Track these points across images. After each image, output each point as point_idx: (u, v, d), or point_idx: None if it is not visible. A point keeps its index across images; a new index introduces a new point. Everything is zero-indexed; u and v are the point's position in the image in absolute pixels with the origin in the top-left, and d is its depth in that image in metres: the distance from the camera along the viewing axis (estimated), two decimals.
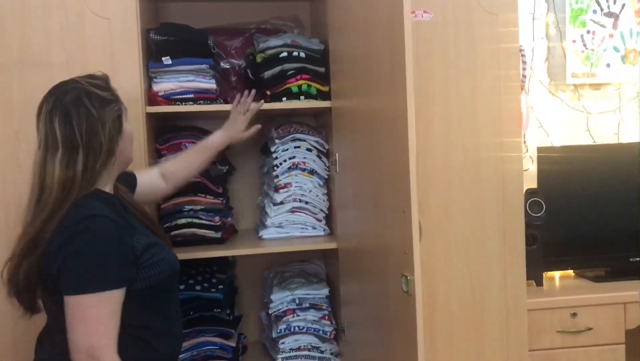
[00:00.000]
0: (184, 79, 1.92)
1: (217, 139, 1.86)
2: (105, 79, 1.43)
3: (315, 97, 2.00)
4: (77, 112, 1.31)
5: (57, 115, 1.31)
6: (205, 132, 2.06)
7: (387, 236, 1.50)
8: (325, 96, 2.00)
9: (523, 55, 2.10)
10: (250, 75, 2.10)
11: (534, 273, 2.32)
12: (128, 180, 1.61)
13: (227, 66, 2.22)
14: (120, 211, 1.38)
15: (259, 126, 1.94)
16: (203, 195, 2.01)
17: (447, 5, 1.96)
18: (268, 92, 1.99)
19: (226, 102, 2.06)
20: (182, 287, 1.95)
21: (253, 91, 1.89)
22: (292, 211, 2.09)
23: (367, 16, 1.54)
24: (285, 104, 1.97)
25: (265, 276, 2.30)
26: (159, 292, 1.39)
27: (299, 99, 1.99)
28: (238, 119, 1.88)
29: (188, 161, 1.81)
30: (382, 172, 1.51)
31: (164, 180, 1.75)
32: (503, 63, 2.00)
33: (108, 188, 1.40)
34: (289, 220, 2.09)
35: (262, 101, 1.93)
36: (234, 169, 2.31)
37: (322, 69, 2.00)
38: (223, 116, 2.26)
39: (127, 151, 1.45)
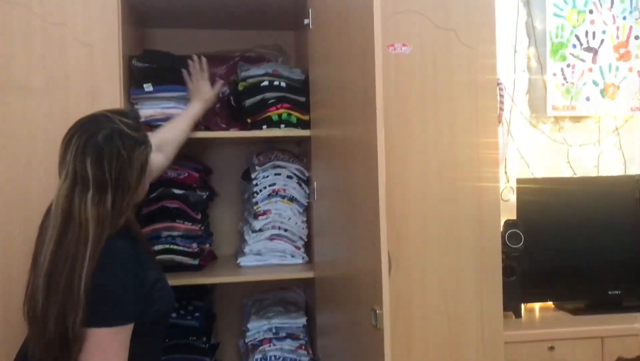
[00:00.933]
0: (165, 106, 1.94)
1: (196, 109, 1.92)
2: (136, 117, 1.47)
3: (295, 126, 2.02)
4: (109, 152, 1.33)
5: (89, 154, 1.32)
6: (188, 158, 2.07)
7: (359, 268, 1.50)
8: (305, 124, 2.02)
9: (501, 88, 2.13)
10: (232, 102, 2.12)
11: (512, 304, 2.32)
12: None
13: None
14: (133, 244, 1.41)
15: (221, 81, 2.06)
16: (181, 221, 2.01)
17: (426, 39, 1.99)
18: (249, 120, 2.01)
19: (207, 128, 2.08)
20: None
21: (194, 57, 2.00)
22: (271, 238, 2.09)
23: (343, 47, 1.56)
24: (265, 132, 1.99)
25: (244, 303, 2.29)
26: (156, 326, 1.43)
27: (279, 127, 2.00)
28: (200, 84, 1.96)
29: (179, 130, 1.85)
30: (354, 203, 1.52)
31: (160, 152, 1.74)
32: (481, 95, 2.03)
33: (122, 221, 1.41)
34: (268, 248, 2.09)
35: (205, 59, 2.01)
36: (215, 194, 2.31)
37: (302, 99, 2.02)
38: (205, 143, 2.29)
39: (146, 186, 1.51)
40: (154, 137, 1.73)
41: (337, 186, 1.70)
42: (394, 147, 1.95)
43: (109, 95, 1.80)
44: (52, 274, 1.28)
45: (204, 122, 2.21)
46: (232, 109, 2.15)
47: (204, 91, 1.95)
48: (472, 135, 2.03)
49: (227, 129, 2.21)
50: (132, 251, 1.37)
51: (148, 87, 1.91)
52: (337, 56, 1.63)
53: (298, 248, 2.11)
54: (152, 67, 1.93)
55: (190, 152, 2.31)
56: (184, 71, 1.96)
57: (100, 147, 1.33)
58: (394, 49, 1.96)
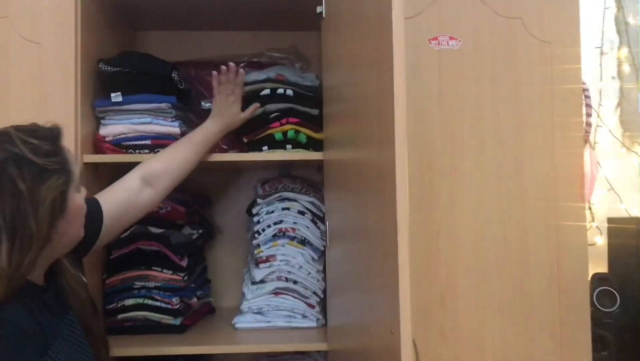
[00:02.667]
0: (138, 121, 1.51)
1: (211, 128, 1.46)
2: (52, 138, 1.03)
3: (305, 146, 1.54)
4: (0, 185, 0.94)
5: None
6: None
7: (374, 345, 1.00)
8: (318, 144, 1.54)
9: (587, 98, 1.58)
10: None
11: None
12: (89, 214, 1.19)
13: (209, 105, 1.80)
14: (42, 310, 1.00)
15: (257, 105, 1.53)
16: (159, 269, 1.56)
17: (482, 30, 1.48)
18: (245, 139, 1.55)
19: None
20: None
21: (231, 65, 1.49)
22: (276, 293, 1.60)
23: (354, 39, 1.09)
24: (264, 155, 1.52)
25: None
26: None
27: (284, 148, 1.53)
28: (229, 101, 1.48)
29: (180, 158, 1.40)
30: (368, 253, 1.02)
31: (148, 187, 1.34)
32: (559, 108, 1.50)
33: (37, 273, 1.01)
34: (272, 305, 1.60)
35: (243, 71, 1.52)
36: (213, 232, 1.87)
37: (315, 111, 1.55)
38: (202, 168, 1.85)
39: (73, 231, 1.06)
40: (144, 166, 1.34)
41: (351, 228, 1.20)
42: (437, 177, 1.45)
43: (60, 105, 1.40)
44: None
45: None
46: None
47: (230, 112, 1.49)
48: (547, 160, 1.49)
49: (228, 150, 1.77)
50: (32, 324, 0.95)
51: (116, 97, 1.49)
52: (347, 52, 1.16)
53: (311, 306, 1.61)
54: (122, 72, 1.52)
55: (187, 179, 1.89)
56: (214, 78, 1.49)
57: None
58: (438, 43, 1.46)
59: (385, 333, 0.88)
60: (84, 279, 1.16)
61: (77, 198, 1.04)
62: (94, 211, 1.21)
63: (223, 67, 1.49)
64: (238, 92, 1.50)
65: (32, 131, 1.01)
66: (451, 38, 1.46)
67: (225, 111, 1.49)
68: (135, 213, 1.34)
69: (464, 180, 1.47)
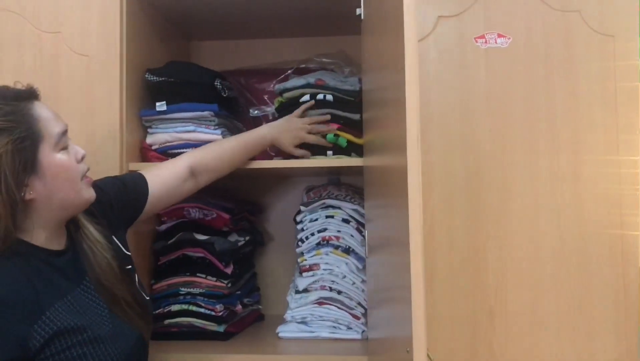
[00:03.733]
0: (182, 129, 1.53)
1: (265, 135, 1.47)
2: (15, 95, 1.03)
3: (347, 152, 1.50)
4: None
5: None
6: (210, 192, 1.65)
7: None
8: (361, 150, 1.49)
9: None
10: None
11: None
12: (134, 187, 1.25)
13: (257, 113, 1.81)
14: (46, 274, 1.01)
15: (308, 153, 1.50)
16: (203, 275, 1.57)
17: (534, 26, 1.38)
18: None
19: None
20: None
21: (327, 117, 1.50)
22: (320, 302, 1.57)
23: (382, 41, 1.04)
24: (302, 162, 1.49)
25: None
26: None
27: (324, 154, 1.50)
28: (301, 129, 1.47)
29: (228, 156, 1.41)
30: (392, 266, 0.97)
31: (193, 178, 1.36)
32: (623, 107, 1.37)
33: (44, 236, 1.04)
34: (315, 315, 1.56)
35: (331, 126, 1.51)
36: (262, 239, 1.86)
37: (356, 116, 1.50)
38: (254, 175, 1.86)
39: (61, 191, 1.04)
40: (194, 157, 1.36)
41: (381, 237, 1.15)
42: (485, 183, 1.36)
43: (107, 114, 1.45)
44: None
45: None
46: None
47: (289, 136, 1.47)
48: (610, 164, 1.36)
49: (274, 157, 1.76)
50: (19, 291, 0.96)
51: (161, 106, 1.52)
52: (377, 54, 1.11)
53: (356, 317, 1.55)
54: (167, 82, 1.54)
55: (238, 186, 1.91)
56: (307, 104, 1.50)
57: None
58: (485, 42, 1.38)
59: (402, 351, 0.83)
60: (110, 244, 1.16)
61: (56, 157, 1.02)
62: (140, 184, 1.26)
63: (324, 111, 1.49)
64: (310, 137, 1.48)
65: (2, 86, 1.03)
66: (499, 35, 1.37)
67: (289, 132, 1.47)
68: (175, 199, 1.36)
69: (515, 186, 1.37)
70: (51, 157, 1.02)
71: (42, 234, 1.04)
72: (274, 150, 1.79)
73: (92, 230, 1.13)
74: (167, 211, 1.63)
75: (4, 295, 0.95)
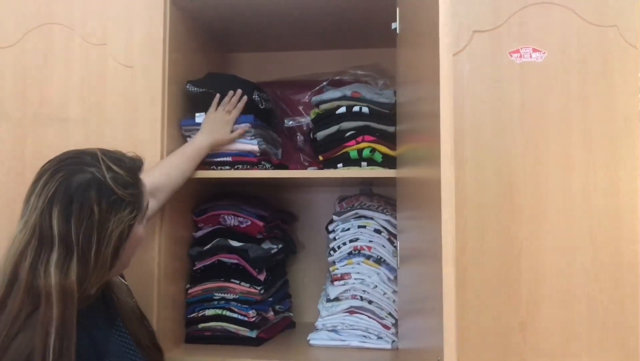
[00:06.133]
0: None
1: (202, 143, 1.52)
2: (133, 169, 1.09)
3: (382, 164, 1.52)
4: (79, 206, 0.98)
5: (58, 202, 0.98)
6: (245, 200, 1.69)
7: None
8: (394, 162, 1.51)
9: None
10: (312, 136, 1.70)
11: None
12: None
13: (292, 124, 1.85)
14: (95, 321, 1.04)
15: (246, 126, 1.57)
16: (237, 281, 1.61)
17: (569, 39, 1.38)
18: (321, 157, 1.56)
19: (277, 166, 1.67)
20: None
21: (239, 91, 1.58)
22: (351, 311, 1.59)
23: (416, 55, 1.06)
24: (337, 172, 1.52)
25: None
26: None
27: (359, 165, 1.52)
28: (224, 120, 1.54)
29: (177, 171, 1.44)
30: (423, 277, 0.98)
31: (152, 198, 1.36)
32: None
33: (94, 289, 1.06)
34: (346, 323, 1.58)
35: (245, 96, 1.58)
36: (294, 247, 1.89)
37: (391, 129, 1.52)
38: (287, 184, 1.90)
39: (127, 258, 1.10)
40: (147, 177, 1.35)
41: (412, 248, 1.17)
42: (518, 197, 1.36)
43: (149, 124, 1.50)
44: None
45: (286, 159, 1.83)
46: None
47: (222, 131, 1.55)
48: None
49: (307, 167, 1.80)
50: (84, 342, 0.97)
51: (200, 116, 1.57)
52: (410, 68, 1.13)
53: (387, 327, 1.57)
54: (207, 93, 1.59)
55: (272, 194, 1.95)
56: (216, 98, 1.57)
57: (70, 197, 0.98)
58: (520, 56, 1.38)
59: (433, 360, 0.84)
60: (125, 282, 1.20)
61: (139, 229, 1.09)
62: None
63: (231, 91, 1.56)
64: (234, 115, 1.55)
65: (117, 159, 1.07)
66: (534, 50, 1.38)
67: (217, 128, 1.54)
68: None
69: (549, 201, 1.37)
70: (137, 230, 1.08)
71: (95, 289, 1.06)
72: (308, 160, 1.83)
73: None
74: (203, 217, 1.68)
75: (81, 347, 0.96)
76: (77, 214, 0.97)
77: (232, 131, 1.56)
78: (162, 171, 1.42)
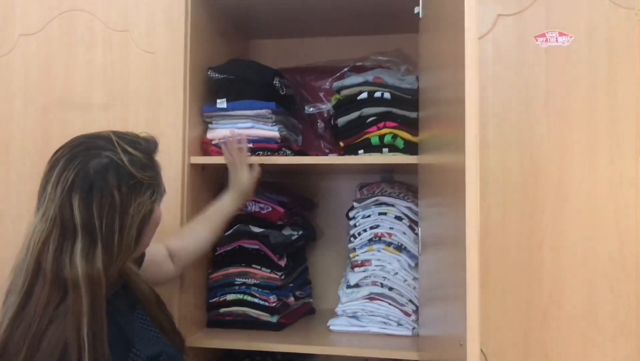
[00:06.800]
0: (241, 126, 1.58)
1: (224, 203, 1.48)
2: (149, 150, 1.06)
3: (404, 151, 1.51)
4: (99, 193, 0.96)
5: (78, 190, 0.96)
6: (266, 186, 1.69)
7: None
8: (416, 148, 1.50)
9: None
10: (332, 122, 1.69)
11: None
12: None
13: (313, 110, 1.84)
14: (118, 307, 1.03)
15: (257, 168, 1.52)
16: (258, 267, 1.62)
17: (596, 23, 1.35)
18: (341, 144, 1.56)
19: (298, 153, 1.67)
20: None
21: (236, 131, 1.53)
22: (371, 298, 1.59)
23: (439, 40, 1.05)
24: (358, 159, 1.51)
25: None
26: None
27: (380, 152, 1.52)
28: (238, 170, 1.49)
29: (198, 237, 1.42)
30: (445, 264, 0.98)
31: (171, 260, 1.37)
32: None
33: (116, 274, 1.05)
34: (366, 310, 1.59)
35: (245, 137, 1.53)
36: (314, 234, 1.89)
37: (414, 114, 1.51)
38: (307, 171, 1.89)
39: (148, 239, 1.10)
40: (165, 242, 1.36)
41: (434, 235, 1.16)
42: (542, 184, 1.35)
43: (171, 110, 1.50)
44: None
45: (305, 146, 1.83)
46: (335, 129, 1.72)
47: (240, 180, 1.49)
48: None
49: (328, 153, 1.80)
50: (113, 331, 0.95)
51: (222, 103, 1.58)
52: (434, 53, 1.12)
53: (407, 314, 1.56)
54: (228, 79, 1.60)
55: (293, 181, 1.95)
56: (223, 148, 1.52)
57: (90, 183, 0.96)
58: (545, 40, 1.36)
59: (455, 345, 0.84)
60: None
61: (158, 210, 1.08)
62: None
63: (230, 138, 1.51)
64: (244, 158, 1.50)
65: (132, 141, 1.04)
66: (560, 34, 1.35)
67: (236, 179, 1.49)
68: (155, 278, 1.29)
69: (573, 188, 1.35)
70: (157, 211, 1.07)
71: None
72: (328, 147, 1.82)
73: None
74: None
75: (112, 337, 0.94)
76: (98, 201, 0.96)
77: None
78: (183, 238, 1.41)
